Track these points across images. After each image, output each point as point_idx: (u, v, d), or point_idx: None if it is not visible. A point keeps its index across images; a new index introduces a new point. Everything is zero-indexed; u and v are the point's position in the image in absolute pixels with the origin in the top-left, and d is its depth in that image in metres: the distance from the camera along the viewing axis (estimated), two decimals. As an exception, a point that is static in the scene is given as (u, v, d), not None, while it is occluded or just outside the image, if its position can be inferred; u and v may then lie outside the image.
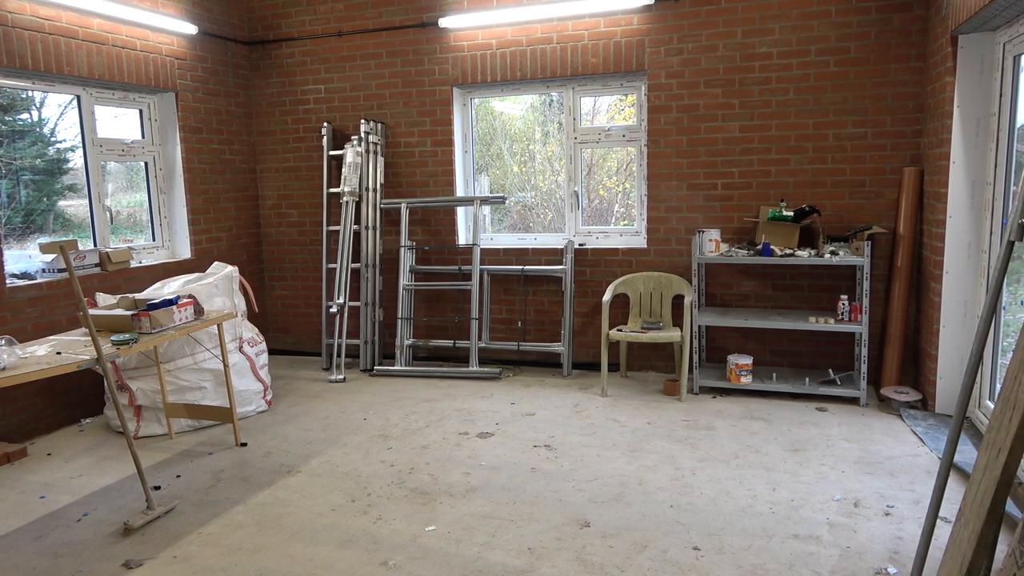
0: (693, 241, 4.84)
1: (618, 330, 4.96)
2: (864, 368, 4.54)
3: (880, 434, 4.07)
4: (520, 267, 5.53)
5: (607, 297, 5.00)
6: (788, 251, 4.64)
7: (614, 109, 5.91)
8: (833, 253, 4.51)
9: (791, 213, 4.71)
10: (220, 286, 4.63)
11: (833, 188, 4.87)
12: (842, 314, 4.60)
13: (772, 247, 4.67)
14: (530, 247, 5.63)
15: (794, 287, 5.04)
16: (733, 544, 2.89)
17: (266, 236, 6.35)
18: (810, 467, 3.64)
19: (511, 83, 5.57)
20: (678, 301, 5.23)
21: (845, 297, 4.61)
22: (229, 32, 5.91)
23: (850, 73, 4.73)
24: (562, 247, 5.53)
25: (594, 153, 5.88)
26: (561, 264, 5.51)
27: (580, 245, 5.54)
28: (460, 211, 5.85)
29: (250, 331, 4.91)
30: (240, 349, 4.73)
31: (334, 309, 5.51)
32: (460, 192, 5.84)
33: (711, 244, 4.78)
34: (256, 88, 6.17)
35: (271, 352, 6.45)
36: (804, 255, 4.56)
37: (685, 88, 5.08)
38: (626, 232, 5.57)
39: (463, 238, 5.89)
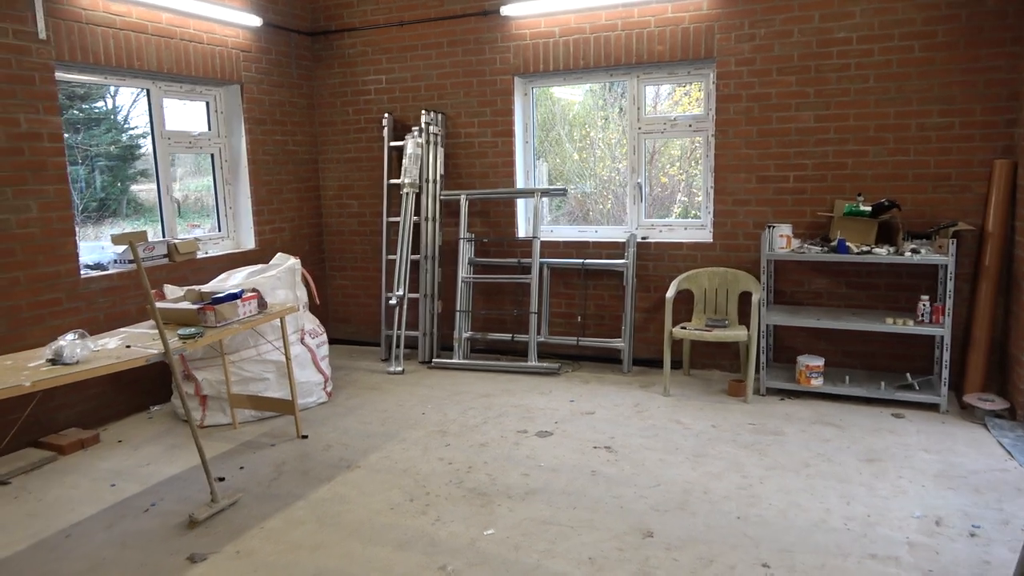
0: (762, 236, 4.65)
1: (682, 327, 4.81)
2: (945, 373, 4.28)
3: (963, 445, 3.83)
4: (580, 261, 5.43)
5: (671, 293, 4.85)
6: (865, 248, 4.40)
7: (676, 95, 5.72)
8: (914, 251, 4.26)
9: (869, 208, 4.46)
10: (283, 278, 4.67)
11: (915, 182, 4.59)
12: (922, 315, 4.34)
13: (848, 244, 4.44)
14: (591, 240, 5.52)
15: (870, 285, 4.79)
16: (805, 562, 2.76)
17: (327, 227, 6.40)
18: (887, 479, 3.45)
19: (574, 72, 5.43)
20: (745, 298, 5.04)
21: (926, 298, 4.34)
22: (292, 23, 5.94)
23: (936, 59, 4.44)
24: (624, 240, 5.39)
25: (655, 141, 5.70)
26: (622, 259, 5.38)
27: (642, 238, 5.39)
28: (520, 203, 5.77)
29: (311, 322, 4.95)
30: (302, 340, 4.78)
31: (393, 301, 5.52)
32: (520, 183, 5.75)
33: (782, 240, 4.57)
34: (318, 79, 6.20)
35: (332, 342, 6.53)
36: (882, 252, 4.31)
37: (756, 76, 4.86)
38: (690, 225, 5.39)
39: (523, 231, 5.81)
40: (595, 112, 5.99)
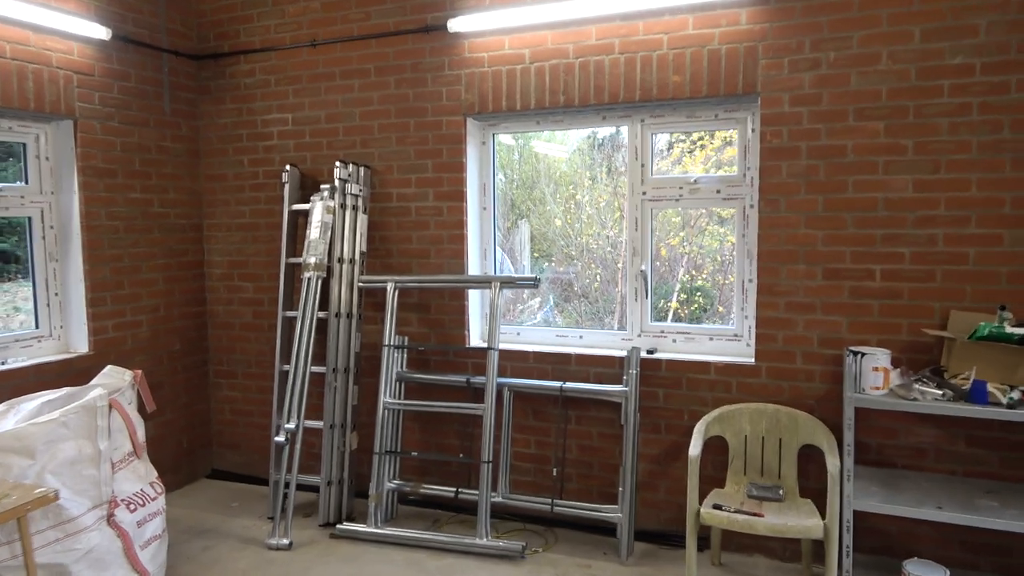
0: (846, 367, 2.96)
1: (715, 508, 3.05)
2: None
3: None
4: (558, 384, 3.69)
5: (696, 448, 3.12)
6: (1017, 395, 2.70)
7: (677, 150, 4.10)
8: (1114, 409, 2.57)
9: (1018, 329, 2.79)
10: (73, 424, 2.90)
11: (1079, 286, 2.95)
12: (1118, 511, 2.63)
13: (989, 388, 2.74)
14: (573, 351, 3.79)
15: (1006, 443, 3.08)
16: None
17: (212, 316, 4.64)
18: None
19: (551, 112, 3.81)
20: (808, 455, 3.31)
21: (1124, 481, 2.65)
22: (166, 40, 4.31)
23: (1115, 97, 2.85)
24: (622, 355, 3.68)
25: (664, 211, 4.05)
26: (620, 384, 3.65)
27: (649, 352, 3.69)
28: (473, 296, 4.07)
29: (135, 480, 3.15)
30: (109, 520, 2.98)
31: (281, 438, 3.73)
32: (474, 267, 4.06)
33: (877, 376, 2.87)
34: (204, 117, 4.54)
35: (213, 476, 4.69)
36: (1052, 407, 2.62)
37: (822, 120, 3.24)
38: (720, 334, 3.69)
39: (476, 335, 4.09)
40: (582, 171, 4.38)
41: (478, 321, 4.11)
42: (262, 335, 4.49)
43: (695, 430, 3.27)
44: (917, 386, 2.81)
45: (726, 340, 3.68)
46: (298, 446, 3.79)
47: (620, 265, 5.50)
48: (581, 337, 3.97)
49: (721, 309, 4.01)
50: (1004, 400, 2.69)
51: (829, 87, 3.22)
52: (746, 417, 3.38)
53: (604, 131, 4.19)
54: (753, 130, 3.52)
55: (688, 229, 4.19)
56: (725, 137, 3.84)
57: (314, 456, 4.31)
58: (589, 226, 4.39)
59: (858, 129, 3.19)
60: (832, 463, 2.93)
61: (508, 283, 3.68)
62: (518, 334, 4.09)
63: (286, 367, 4.07)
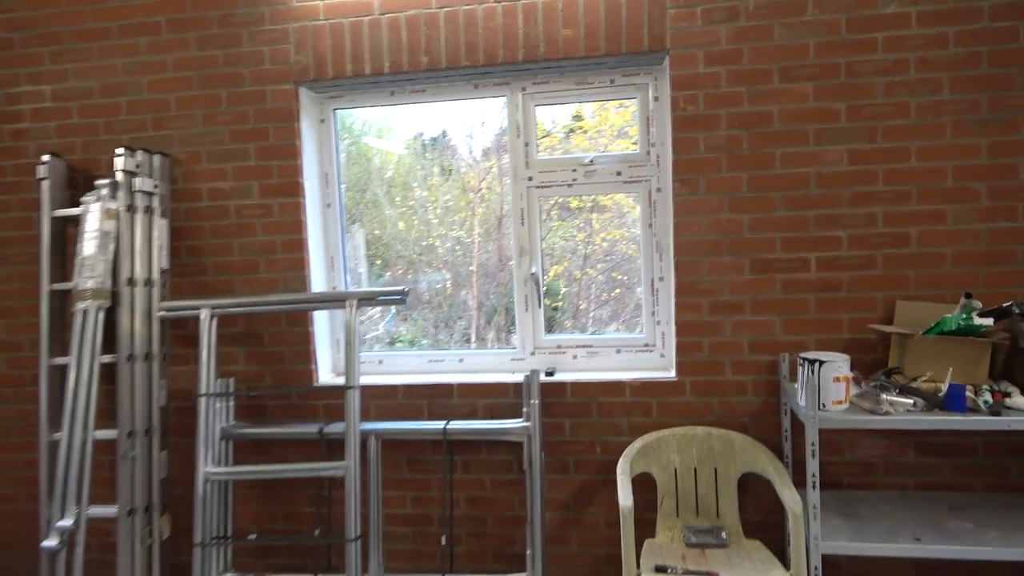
0: (801, 380, 2.41)
1: (657, 570, 2.40)
2: None
3: None
4: (440, 424, 2.88)
5: (626, 498, 2.45)
6: (986, 398, 2.28)
7: (573, 123, 3.46)
8: (1108, 407, 2.20)
9: (987, 320, 2.38)
10: None
11: (1028, 265, 2.62)
12: (1106, 521, 2.29)
13: (967, 394, 2.30)
14: (455, 380, 3.01)
15: (956, 448, 2.71)
16: None
17: (-51, 368, 3.36)
18: None
19: (410, 79, 3.00)
20: (749, 484, 2.77)
21: (1109, 486, 2.31)
22: None
23: (1057, 51, 2.53)
24: (518, 381, 2.95)
25: (550, 200, 3.39)
26: (519, 417, 2.91)
27: (548, 374, 2.99)
28: (320, 319, 3.16)
29: None
30: None
31: (53, 542, 2.62)
32: (319, 281, 3.16)
33: (838, 388, 2.35)
34: (-82, 92, 3.25)
35: (-36, 586, 3.40)
36: (1039, 409, 2.22)
37: (744, 82, 2.70)
38: (628, 345, 3.07)
39: (326, 369, 3.19)
40: (415, 169, 3.63)
41: (328, 351, 3.21)
42: (22, 392, 3.28)
43: (619, 470, 2.61)
44: (884, 396, 2.32)
45: (636, 352, 3.06)
46: (80, 549, 2.70)
47: (472, 268, 4.82)
48: (461, 361, 3.19)
49: (583, 306, 3.41)
50: (981, 405, 2.26)
51: (750, 41, 2.68)
52: (674, 446, 2.78)
53: (431, 131, 3.47)
54: (656, 98, 2.93)
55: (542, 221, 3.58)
56: (623, 113, 3.22)
57: (110, 549, 3.19)
58: (437, 227, 3.67)
59: (785, 92, 2.68)
60: (791, 499, 2.37)
61: (368, 299, 2.82)
62: (380, 362, 3.24)
63: (57, 435, 2.93)
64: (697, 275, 2.80)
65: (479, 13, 2.83)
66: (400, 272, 3.74)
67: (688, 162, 2.76)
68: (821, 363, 2.33)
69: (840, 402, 2.35)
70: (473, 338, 5.25)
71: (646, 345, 3.06)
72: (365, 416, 3.02)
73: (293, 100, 2.99)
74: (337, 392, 3.04)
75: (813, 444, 2.29)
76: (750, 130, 2.71)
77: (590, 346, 3.10)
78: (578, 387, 2.91)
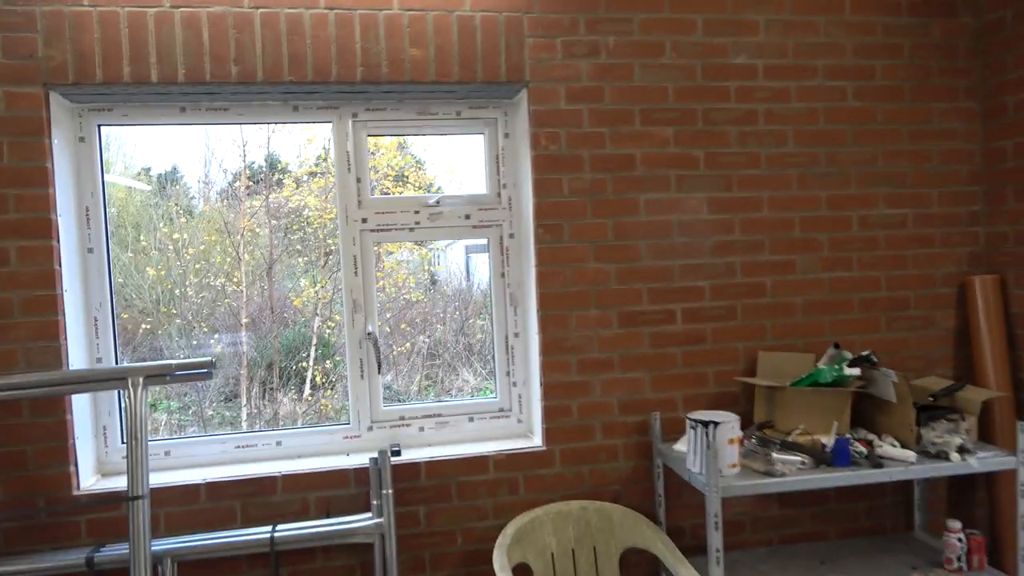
0: (692, 445, 2.21)
1: None
2: (1025, 666, 2.35)
3: None
4: (265, 531, 2.23)
5: (513, 601, 2.05)
6: (862, 448, 2.28)
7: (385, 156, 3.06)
8: (964, 451, 2.28)
9: (855, 370, 2.39)
10: None
11: (862, 312, 2.73)
12: (956, 560, 2.38)
13: (850, 447, 2.26)
14: (277, 472, 2.38)
15: (810, 497, 2.72)
16: None
17: None
18: None
19: (210, 91, 2.37)
20: (624, 556, 2.50)
21: (958, 526, 2.41)
22: None
23: (877, 112, 2.71)
24: (360, 465, 2.41)
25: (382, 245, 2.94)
26: (365, 513, 2.37)
27: (394, 453, 2.49)
28: (80, 404, 2.34)
29: None
30: None
31: None
32: (79, 352, 2.34)
33: (732, 451, 2.19)
34: None
35: None
36: (910, 456, 2.24)
37: (606, 123, 2.52)
38: (481, 411, 2.69)
39: (88, 470, 2.36)
40: (159, 206, 3.03)
41: (90, 445, 2.39)
42: None
43: (497, 567, 2.19)
44: (775, 455, 2.21)
45: (491, 418, 2.69)
46: None
47: (244, 320, 4.23)
48: (279, 444, 2.56)
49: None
50: (867, 460, 2.24)
51: (611, 80, 2.51)
52: (548, 527, 2.44)
53: (158, 166, 2.92)
54: (507, 135, 2.65)
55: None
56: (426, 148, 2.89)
57: None
58: (191, 275, 3.05)
59: (646, 135, 2.55)
60: (689, 576, 2.15)
61: (159, 376, 2.11)
62: (167, 454, 2.49)
63: None
64: (564, 331, 2.52)
65: (306, 19, 2.33)
66: (147, 329, 3.08)
67: (552, 206, 2.50)
68: (716, 424, 2.16)
69: (734, 465, 2.20)
70: (244, 401, 4.49)
71: (501, 410, 2.70)
72: (154, 531, 2.26)
73: (41, 108, 2.20)
74: (109, 504, 2.24)
75: (716, 516, 2.09)
76: (614, 174, 2.53)
77: (439, 415, 2.67)
78: (434, 467, 2.45)
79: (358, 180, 2.58)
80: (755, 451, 2.29)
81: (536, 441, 2.58)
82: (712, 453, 2.09)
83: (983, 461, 2.23)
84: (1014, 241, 2.66)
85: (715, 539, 2.10)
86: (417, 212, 2.62)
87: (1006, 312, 2.70)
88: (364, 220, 2.59)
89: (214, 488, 2.31)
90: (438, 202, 2.64)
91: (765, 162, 2.63)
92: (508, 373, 2.70)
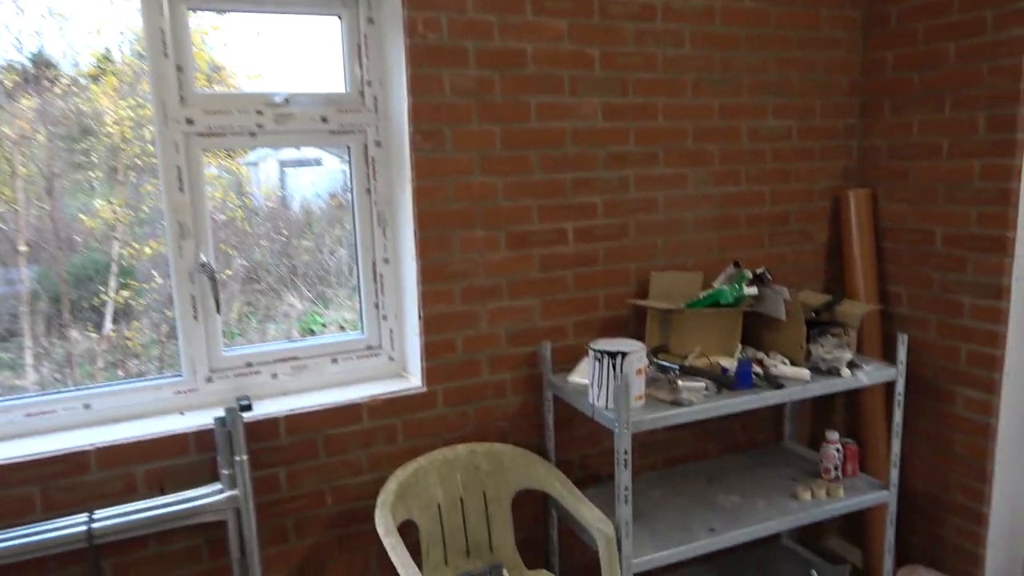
0: (601, 374, 2.00)
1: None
2: (889, 562, 2.49)
3: None
4: (79, 520, 1.74)
5: (407, 568, 1.76)
6: (758, 369, 2.21)
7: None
8: (854, 366, 2.28)
9: (753, 290, 2.29)
10: None
11: (749, 228, 2.65)
12: (834, 469, 2.44)
13: (752, 369, 2.17)
14: (89, 445, 1.86)
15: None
16: None
17: None
18: None
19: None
20: (525, 502, 2.30)
21: (835, 436, 2.45)
22: None
23: (771, 15, 2.54)
24: (198, 427, 1.95)
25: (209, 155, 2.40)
26: (213, 484, 1.93)
27: (244, 408, 2.05)
28: None
29: None
30: None
31: None
32: None
33: (639, 382, 2.02)
34: None
35: None
36: (804, 374, 2.21)
37: (495, 7, 2.12)
38: (345, 351, 2.31)
39: None
40: None
41: None
42: None
43: (382, 532, 1.88)
44: (681, 383, 2.07)
45: (358, 358, 2.32)
46: None
47: (22, 249, 3.52)
48: (88, 407, 2.02)
49: (170, 313, 2.59)
50: (765, 380, 2.17)
51: (500, -44, 2.11)
52: (433, 477, 2.16)
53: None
54: (370, 20, 2.17)
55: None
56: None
57: None
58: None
59: (538, 27, 2.19)
60: (596, 519, 1.98)
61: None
62: (-74, 429, 1.87)
63: None
64: (446, 254, 2.18)
65: None
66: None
67: (431, 108, 2.09)
68: (623, 355, 1.96)
69: (640, 397, 2.03)
70: (27, 341, 3.79)
71: (369, 348, 2.34)
72: (-89, 539, 1.69)
73: None
74: None
75: (626, 453, 1.93)
76: (503, 72, 2.16)
77: (294, 358, 2.25)
78: (295, 420, 2.06)
79: (179, 69, 2.00)
80: (656, 378, 2.15)
81: (415, 381, 2.26)
82: (623, 387, 1.89)
83: (871, 375, 2.25)
84: (887, 155, 2.68)
85: (624, 477, 1.94)
86: (260, 112, 2.10)
87: (875, 226, 2.74)
88: (190, 121, 2.02)
89: (3, 472, 1.76)
90: (287, 100, 2.12)
91: (662, 65, 2.38)
92: (377, 305, 2.32)
